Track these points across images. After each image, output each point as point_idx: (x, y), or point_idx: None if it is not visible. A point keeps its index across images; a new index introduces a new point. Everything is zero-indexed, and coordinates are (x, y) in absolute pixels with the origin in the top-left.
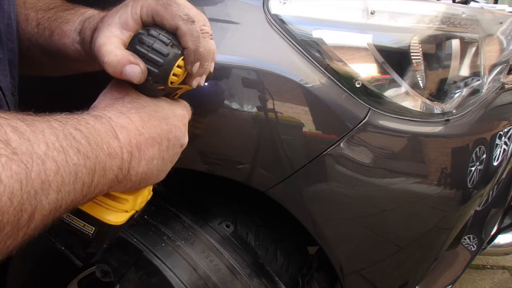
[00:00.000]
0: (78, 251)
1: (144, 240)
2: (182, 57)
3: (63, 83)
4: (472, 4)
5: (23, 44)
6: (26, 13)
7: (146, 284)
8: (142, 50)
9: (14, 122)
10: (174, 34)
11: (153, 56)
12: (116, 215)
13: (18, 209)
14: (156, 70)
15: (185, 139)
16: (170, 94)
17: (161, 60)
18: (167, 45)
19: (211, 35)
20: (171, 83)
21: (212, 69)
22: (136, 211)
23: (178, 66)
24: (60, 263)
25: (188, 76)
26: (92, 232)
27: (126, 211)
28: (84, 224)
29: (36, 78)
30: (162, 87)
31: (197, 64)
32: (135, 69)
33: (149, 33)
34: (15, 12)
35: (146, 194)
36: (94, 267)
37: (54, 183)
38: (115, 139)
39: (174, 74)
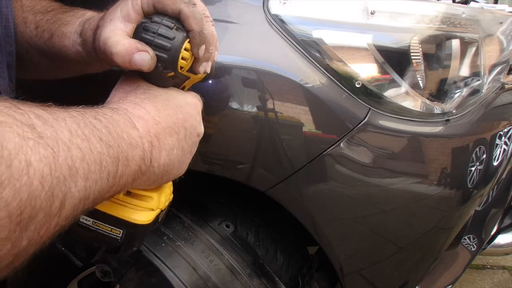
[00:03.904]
0: (78, 251)
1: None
2: (188, 40)
3: (61, 87)
4: (472, 4)
5: (22, 47)
6: (24, 16)
7: (146, 284)
8: (148, 37)
9: (36, 110)
10: (177, 18)
11: (160, 41)
12: (143, 214)
13: (49, 194)
14: (164, 55)
15: (201, 128)
16: (179, 85)
17: (168, 44)
18: (171, 29)
19: (211, 20)
20: (181, 68)
21: (215, 57)
22: (161, 210)
23: (185, 49)
24: (60, 263)
25: (195, 62)
26: (120, 236)
27: (152, 210)
28: (112, 228)
29: (33, 82)
30: (172, 73)
31: (203, 47)
32: (144, 56)
33: (152, 20)
34: (13, 15)
35: (168, 193)
36: (94, 267)
37: (81, 170)
38: (134, 129)
39: (182, 58)
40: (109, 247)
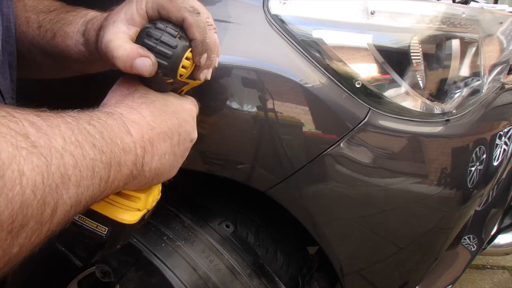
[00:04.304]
0: (78, 251)
1: (144, 240)
2: (190, 49)
3: (62, 85)
4: (472, 4)
5: (24, 46)
6: (26, 16)
7: (146, 284)
8: (150, 43)
9: (30, 117)
10: (180, 26)
11: (162, 49)
12: (129, 214)
13: (41, 202)
14: (165, 63)
15: (195, 134)
16: (177, 90)
17: (170, 52)
18: (174, 37)
19: (214, 28)
20: (180, 75)
21: (217, 64)
22: (148, 210)
23: (187, 58)
24: (60, 263)
25: (196, 69)
26: (105, 233)
27: (139, 210)
28: (97, 225)
29: (34, 82)
30: (171, 80)
31: (205, 56)
32: (146, 62)
33: (156, 26)
34: (14, 15)
35: (156, 194)
36: (94, 267)
37: (73, 177)
38: (128, 135)
39: (183, 66)
40: (93, 243)
